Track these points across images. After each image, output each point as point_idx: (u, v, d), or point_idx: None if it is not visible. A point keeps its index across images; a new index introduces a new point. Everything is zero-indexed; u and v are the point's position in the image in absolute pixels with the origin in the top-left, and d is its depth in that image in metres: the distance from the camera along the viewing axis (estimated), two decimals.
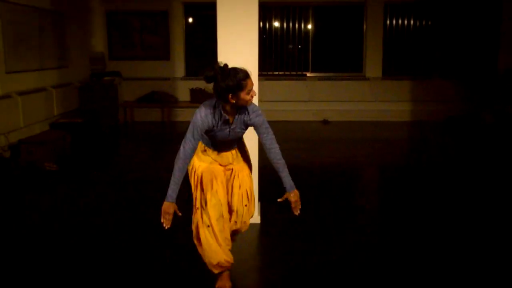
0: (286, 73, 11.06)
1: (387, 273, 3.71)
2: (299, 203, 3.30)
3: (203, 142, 3.40)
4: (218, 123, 3.17)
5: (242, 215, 3.46)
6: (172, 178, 3.20)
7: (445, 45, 10.90)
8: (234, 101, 3.09)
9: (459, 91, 10.66)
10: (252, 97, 3.13)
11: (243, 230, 3.59)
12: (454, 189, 5.86)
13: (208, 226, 3.27)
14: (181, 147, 3.18)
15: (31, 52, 7.82)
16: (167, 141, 9.15)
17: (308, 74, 11.06)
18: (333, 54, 11.18)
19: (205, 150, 3.41)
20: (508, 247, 4.17)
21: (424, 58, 11.03)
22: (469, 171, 6.74)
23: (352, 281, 3.59)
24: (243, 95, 3.08)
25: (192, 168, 3.40)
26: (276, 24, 11.05)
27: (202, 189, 3.34)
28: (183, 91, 10.77)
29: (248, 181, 3.48)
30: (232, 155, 3.44)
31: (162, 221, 3.17)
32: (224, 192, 3.33)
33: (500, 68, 10.31)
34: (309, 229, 4.57)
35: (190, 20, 11.10)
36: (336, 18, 11.10)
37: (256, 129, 3.28)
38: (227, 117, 3.16)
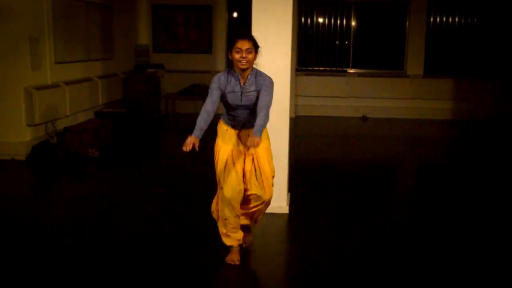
0: (327, 68, 11.09)
1: (411, 271, 3.77)
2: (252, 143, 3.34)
3: (223, 119, 3.72)
4: (230, 81, 3.53)
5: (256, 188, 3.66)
6: (197, 124, 3.51)
7: (490, 44, 10.68)
8: (233, 61, 3.52)
9: (501, 91, 10.44)
10: (241, 57, 3.44)
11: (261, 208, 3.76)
12: (492, 190, 5.81)
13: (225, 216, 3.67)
14: (203, 106, 3.57)
15: (79, 44, 8.15)
16: (206, 132, 9.33)
17: (349, 70, 11.06)
18: (375, 51, 11.14)
19: (226, 130, 3.68)
20: None
21: (468, 56, 10.84)
22: (506, 172, 6.65)
23: (368, 277, 3.66)
24: (233, 53, 3.49)
25: (216, 149, 3.72)
26: (318, 19, 11.08)
27: (223, 171, 3.64)
28: None
29: (264, 163, 3.67)
30: (249, 134, 3.57)
31: (183, 147, 3.41)
32: (240, 176, 3.62)
33: None
34: (338, 223, 4.66)
35: (232, 14, 11.25)
36: (378, 15, 11.04)
37: (261, 88, 3.50)
38: (237, 74, 3.52)
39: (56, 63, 7.41)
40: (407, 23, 10.79)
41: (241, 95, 3.53)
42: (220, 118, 3.78)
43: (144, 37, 10.94)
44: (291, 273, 3.75)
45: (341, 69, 11.07)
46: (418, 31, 10.70)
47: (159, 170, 6.49)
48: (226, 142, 3.67)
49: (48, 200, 5.30)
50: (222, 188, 3.64)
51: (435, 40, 10.84)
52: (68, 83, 7.63)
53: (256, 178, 3.64)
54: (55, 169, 6.37)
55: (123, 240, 4.19)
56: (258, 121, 3.36)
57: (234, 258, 3.72)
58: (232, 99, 3.54)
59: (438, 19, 10.81)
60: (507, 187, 5.91)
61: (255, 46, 3.52)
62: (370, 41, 11.10)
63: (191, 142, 3.36)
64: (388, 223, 4.74)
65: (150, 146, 8.12)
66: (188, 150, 3.36)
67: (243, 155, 3.66)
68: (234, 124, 3.66)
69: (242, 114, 3.60)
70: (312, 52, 11.08)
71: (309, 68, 10.94)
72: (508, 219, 4.82)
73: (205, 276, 3.60)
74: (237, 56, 3.46)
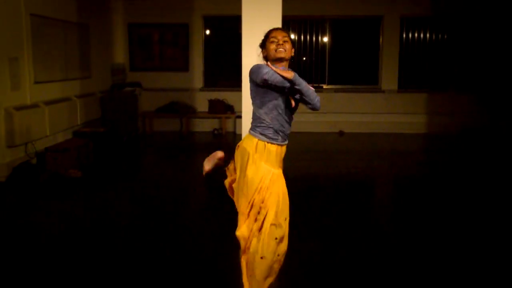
0: None
1: (392, 279, 3.84)
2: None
3: (256, 133, 3.19)
4: None
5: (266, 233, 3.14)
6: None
7: (461, 59, 11.00)
8: (265, 55, 3.21)
9: (474, 104, 10.74)
10: (277, 45, 3.12)
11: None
12: (468, 202, 5.96)
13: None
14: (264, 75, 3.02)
15: (57, 63, 8.09)
16: (185, 150, 9.37)
17: (325, 86, 11.22)
18: (350, 67, 11.34)
19: (264, 146, 3.18)
20: None
21: (440, 71, 11.14)
22: (482, 184, 6.83)
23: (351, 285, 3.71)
24: (268, 44, 3.19)
25: (244, 171, 3.21)
26: (294, 36, 11.24)
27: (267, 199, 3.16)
28: (201, 102, 10.97)
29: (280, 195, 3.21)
30: (282, 152, 3.26)
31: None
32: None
33: None
34: (319, 234, 4.71)
35: (209, 32, 11.33)
36: (352, 31, 11.26)
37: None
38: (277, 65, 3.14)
39: (36, 82, 7.34)
40: (381, 39, 11.04)
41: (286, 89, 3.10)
42: (248, 134, 3.26)
43: (120, 56, 10.92)
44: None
45: (317, 85, 11.22)
46: (391, 47, 10.95)
47: (142, 190, 6.45)
48: (263, 160, 3.17)
49: (31, 221, 5.20)
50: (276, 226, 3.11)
51: (408, 55, 11.11)
52: (47, 103, 7.55)
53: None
54: (37, 190, 6.27)
55: (107, 259, 4.15)
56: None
57: None
58: (268, 93, 3.11)
59: (410, 35, 11.09)
60: (481, 198, 6.07)
61: (291, 40, 3.22)
62: (345, 57, 11.30)
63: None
64: (369, 234, 4.81)
65: (131, 166, 8.06)
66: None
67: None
68: (276, 135, 3.18)
69: (279, 118, 3.16)
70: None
71: None
72: (483, 227, 4.95)
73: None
74: (272, 46, 3.14)
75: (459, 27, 10.92)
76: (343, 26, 11.21)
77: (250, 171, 3.16)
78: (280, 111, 3.16)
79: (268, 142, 3.17)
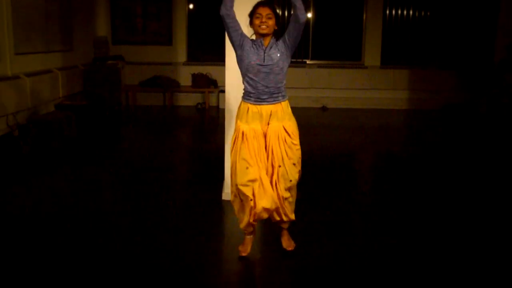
0: None
1: (376, 263, 3.94)
2: None
3: (244, 97, 3.57)
4: (252, 44, 3.49)
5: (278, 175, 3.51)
6: None
7: (443, 36, 11.09)
8: (253, 28, 3.51)
9: (455, 81, 10.88)
10: (261, 22, 3.43)
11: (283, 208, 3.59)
12: (448, 177, 6.09)
13: (235, 196, 3.59)
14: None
15: (38, 35, 7.98)
16: (168, 125, 9.38)
17: (308, 62, 11.25)
18: (333, 43, 11.37)
19: (247, 109, 3.52)
20: (501, 235, 4.41)
21: (422, 48, 11.23)
22: (462, 158, 6.97)
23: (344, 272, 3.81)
24: (253, 18, 3.49)
25: (235, 130, 3.58)
26: (278, 11, 11.19)
27: (240, 147, 3.50)
28: (185, 76, 10.94)
29: (279, 143, 3.53)
30: (272, 111, 3.53)
31: None
32: (259, 156, 3.50)
33: (496, 59, 10.51)
34: (301, 209, 4.79)
35: (192, 6, 11.24)
36: (336, 7, 11.26)
37: (286, 41, 3.54)
38: (260, 39, 3.49)
39: (16, 54, 7.25)
40: (364, 16, 11.05)
41: (264, 53, 3.47)
42: (241, 101, 3.64)
43: (102, 29, 10.80)
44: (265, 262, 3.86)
45: (300, 60, 11.25)
46: (374, 23, 10.98)
47: (125, 163, 6.48)
48: (248, 122, 3.52)
49: (13, 194, 5.21)
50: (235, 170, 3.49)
51: (391, 32, 11.16)
52: (28, 74, 7.47)
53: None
54: (20, 162, 6.25)
55: (89, 233, 4.17)
56: None
57: (244, 249, 3.71)
58: (254, 58, 3.45)
59: (394, 12, 11.13)
60: (461, 171, 6.21)
61: (275, 13, 3.51)
62: (329, 33, 11.31)
63: None
64: (351, 208, 4.89)
65: (113, 139, 8.06)
66: None
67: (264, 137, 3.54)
68: (256, 96, 3.51)
69: (264, 80, 3.48)
70: None
71: None
72: (464, 202, 5.08)
73: (187, 265, 3.66)
74: (257, 21, 3.46)
75: (442, 4, 10.98)
76: (327, 1, 11.19)
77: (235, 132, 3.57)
78: (251, 75, 3.49)
79: (245, 101, 3.57)
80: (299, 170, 3.65)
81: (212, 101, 10.93)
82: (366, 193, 5.51)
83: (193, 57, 11.26)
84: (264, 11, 3.45)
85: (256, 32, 3.52)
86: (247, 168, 3.45)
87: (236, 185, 3.49)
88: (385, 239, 4.10)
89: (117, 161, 6.55)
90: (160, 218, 4.49)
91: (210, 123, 9.85)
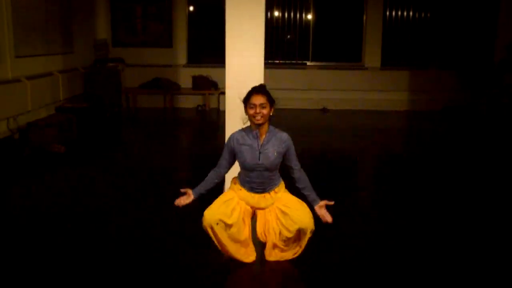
0: (287, 61, 11.24)
1: (380, 263, 3.94)
2: (325, 212, 3.59)
3: (239, 179, 3.61)
4: (246, 138, 3.49)
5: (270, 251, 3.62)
6: (203, 182, 3.64)
7: (443, 37, 11.09)
8: (247, 116, 3.47)
9: (455, 82, 10.87)
10: (255, 113, 3.39)
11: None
12: (449, 177, 6.08)
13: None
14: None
15: (38, 38, 7.99)
16: (169, 127, 9.38)
17: (308, 63, 11.25)
18: (333, 44, 11.38)
19: (240, 190, 3.58)
20: (502, 235, 4.40)
21: (423, 49, 11.23)
22: (464, 159, 6.97)
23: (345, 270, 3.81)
24: (247, 108, 3.44)
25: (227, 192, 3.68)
26: (278, 13, 11.22)
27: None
28: (185, 78, 10.95)
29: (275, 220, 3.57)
30: (265, 199, 3.57)
31: (175, 202, 3.58)
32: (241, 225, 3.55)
33: (496, 59, 10.52)
34: None
35: (192, 8, 11.25)
36: (336, 8, 11.27)
37: (286, 155, 3.55)
38: (256, 132, 3.47)
39: (17, 57, 7.26)
40: (365, 17, 11.06)
41: (259, 153, 3.46)
42: (235, 178, 3.68)
43: (103, 31, 10.81)
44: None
45: (301, 62, 11.25)
46: (375, 25, 10.99)
47: (125, 165, 6.48)
48: (239, 196, 3.58)
49: (14, 197, 5.21)
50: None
51: (392, 33, 11.17)
52: (29, 77, 7.48)
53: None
54: (20, 165, 6.26)
55: (89, 235, 4.17)
56: (308, 191, 3.60)
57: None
58: (249, 157, 3.46)
59: (394, 13, 11.14)
60: (462, 172, 6.21)
61: (270, 101, 3.45)
62: (329, 35, 11.32)
63: (184, 201, 3.54)
64: (351, 211, 4.87)
65: (114, 141, 8.06)
66: (180, 206, 3.54)
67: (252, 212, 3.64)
68: (250, 186, 3.55)
69: (259, 177, 3.50)
70: (273, 46, 11.20)
71: (269, 61, 11.05)
72: (465, 203, 5.08)
73: (185, 267, 3.66)
74: (251, 111, 3.40)
75: (442, 5, 10.99)
76: (327, 3, 11.20)
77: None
78: (245, 171, 3.53)
79: (239, 184, 3.61)
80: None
81: (213, 103, 10.93)
82: (367, 194, 5.51)
83: (194, 59, 11.26)
84: (258, 100, 3.38)
85: (251, 122, 3.48)
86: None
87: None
88: (385, 241, 4.09)
89: (118, 163, 6.56)
90: (160, 220, 4.49)
91: (211, 125, 9.85)
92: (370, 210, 4.91)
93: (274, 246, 3.59)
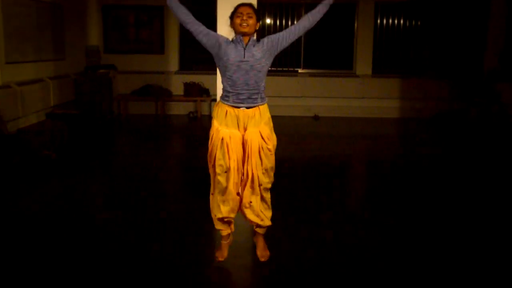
0: (279, 69, 11.27)
1: (369, 270, 3.95)
2: None
3: (222, 98, 3.51)
4: (231, 42, 3.48)
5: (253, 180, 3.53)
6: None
7: (434, 45, 11.17)
8: (233, 28, 3.50)
9: (446, 90, 10.94)
10: (242, 21, 3.42)
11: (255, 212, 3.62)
12: (440, 185, 6.11)
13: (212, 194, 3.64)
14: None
15: (29, 44, 7.98)
16: (160, 134, 9.36)
17: (300, 71, 11.29)
18: (325, 52, 11.43)
19: (226, 111, 3.46)
20: (495, 234, 4.43)
21: (413, 56, 11.31)
22: (453, 166, 7.00)
23: (336, 276, 3.81)
24: (234, 18, 3.49)
25: (212, 132, 3.53)
26: (269, 21, 11.25)
27: (218, 150, 3.48)
28: (177, 85, 10.94)
29: (257, 148, 3.51)
30: (254, 119, 3.49)
31: None
32: (236, 158, 3.48)
33: (486, 68, 10.60)
34: (297, 222, 4.79)
35: None
36: (328, 16, 11.26)
37: (280, 41, 3.59)
38: (241, 37, 3.46)
39: (7, 63, 7.23)
40: (356, 25, 11.13)
41: (244, 50, 3.43)
42: (219, 100, 3.58)
43: (94, 38, 10.78)
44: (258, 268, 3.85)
45: (292, 69, 11.29)
46: (366, 32, 11.05)
47: (116, 173, 6.45)
48: (228, 125, 3.47)
49: (3, 204, 5.17)
50: (217, 176, 3.49)
51: (383, 40, 11.24)
52: (19, 83, 7.45)
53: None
54: (10, 172, 6.21)
55: (80, 243, 4.16)
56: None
57: (220, 253, 3.72)
58: (233, 55, 3.40)
59: (385, 21, 11.21)
60: (452, 179, 6.24)
61: (257, 14, 3.52)
62: (321, 42, 11.37)
63: None
64: (343, 217, 4.89)
65: (105, 148, 8.03)
66: None
67: (242, 141, 3.51)
68: (235, 96, 3.44)
69: (244, 77, 3.42)
70: None
71: None
72: (455, 208, 5.10)
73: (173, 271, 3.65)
74: (237, 20, 3.45)
75: (433, 13, 11.08)
76: None
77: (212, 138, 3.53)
78: (230, 73, 3.44)
79: (223, 103, 3.50)
80: (271, 176, 3.66)
81: (205, 110, 10.92)
82: (357, 201, 5.52)
83: (185, 66, 11.27)
84: (245, 10, 3.46)
85: (236, 32, 3.49)
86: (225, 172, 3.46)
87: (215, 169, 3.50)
88: (375, 248, 4.10)
89: (109, 170, 6.53)
90: (151, 227, 4.48)
91: (202, 132, 9.83)
92: (360, 218, 4.91)
93: (252, 182, 3.53)
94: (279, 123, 10.09)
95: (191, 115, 10.74)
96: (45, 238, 4.19)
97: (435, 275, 3.63)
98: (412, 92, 11.04)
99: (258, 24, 3.54)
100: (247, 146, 3.49)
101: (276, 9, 11.17)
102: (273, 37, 3.57)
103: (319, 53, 11.41)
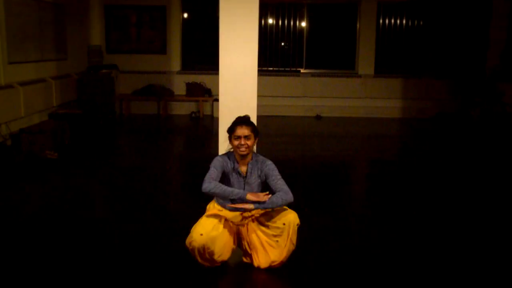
0: (281, 69, 11.27)
1: (371, 268, 3.94)
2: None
3: (218, 201, 3.62)
4: (232, 168, 3.55)
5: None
6: (227, 190, 3.44)
7: (436, 45, 11.16)
8: (232, 146, 3.54)
9: (448, 89, 10.93)
10: (240, 144, 3.47)
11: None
12: (441, 185, 6.11)
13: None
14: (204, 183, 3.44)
15: (32, 44, 7.99)
16: (162, 133, 9.37)
17: (302, 71, 11.28)
18: (327, 52, 11.42)
19: (221, 211, 3.59)
20: (496, 234, 4.42)
21: (415, 56, 11.29)
22: (454, 166, 6.99)
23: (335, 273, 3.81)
24: (232, 140, 3.52)
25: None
26: (271, 21, 11.25)
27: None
28: (179, 85, 10.95)
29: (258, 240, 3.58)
30: (244, 219, 3.57)
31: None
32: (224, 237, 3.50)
33: (488, 68, 10.59)
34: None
35: (186, 15, 11.27)
36: (330, 16, 11.32)
37: (267, 177, 3.56)
38: (238, 167, 3.55)
39: (10, 63, 7.25)
40: (358, 25, 11.12)
41: (244, 184, 3.57)
42: (213, 202, 3.70)
43: (96, 38, 10.80)
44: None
45: (294, 69, 11.28)
46: (368, 32, 11.04)
47: (118, 172, 6.46)
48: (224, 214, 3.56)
49: (6, 203, 5.18)
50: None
51: (385, 40, 11.23)
52: (22, 83, 7.47)
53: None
54: (12, 171, 6.23)
55: (82, 242, 4.16)
56: (273, 197, 3.39)
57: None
58: (236, 185, 3.54)
59: (387, 21, 11.20)
60: (453, 179, 6.23)
61: (255, 132, 3.56)
62: (323, 42, 11.37)
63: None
64: (345, 217, 4.89)
65: (107, 148, 8.04)
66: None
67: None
68: (224, 205, 3.59)
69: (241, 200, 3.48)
70: (266, 53, 11.23)
71: (263, 69, 11.08)
72: (456, 208, 5.10)
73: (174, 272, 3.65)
74: (236, 142, 3.50)
75: (435, 13, 11.06)
76: (321, 11, 11.26)
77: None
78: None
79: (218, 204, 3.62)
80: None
81: (207, 110, 10.93)
82: (359, 201, 5.52)
83: (187, 66, 11.27)
84: (243, 133, 3.48)
85: (235, 152, 3.56)
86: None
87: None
88: (377, 248, 4.10)
89: (111, 169, 6.54)
90: (152, 227, 4.48)
91: (204, 132, 9.84)
92: (362, 218, 4.91)
93: (262, 246, 3.56)
94: (281, 123, 10.17)
95: (193, 115, 10.75)
96: (47, 237, 4.20)
97: (435, 275, 3.63)
98: (414, 92, 11.04)
99: (256, 140, 3.61)
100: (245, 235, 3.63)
101: (279, 9, 11.16)
102: (267, 170, 3.57)
103: (321, 53, 11.40)
